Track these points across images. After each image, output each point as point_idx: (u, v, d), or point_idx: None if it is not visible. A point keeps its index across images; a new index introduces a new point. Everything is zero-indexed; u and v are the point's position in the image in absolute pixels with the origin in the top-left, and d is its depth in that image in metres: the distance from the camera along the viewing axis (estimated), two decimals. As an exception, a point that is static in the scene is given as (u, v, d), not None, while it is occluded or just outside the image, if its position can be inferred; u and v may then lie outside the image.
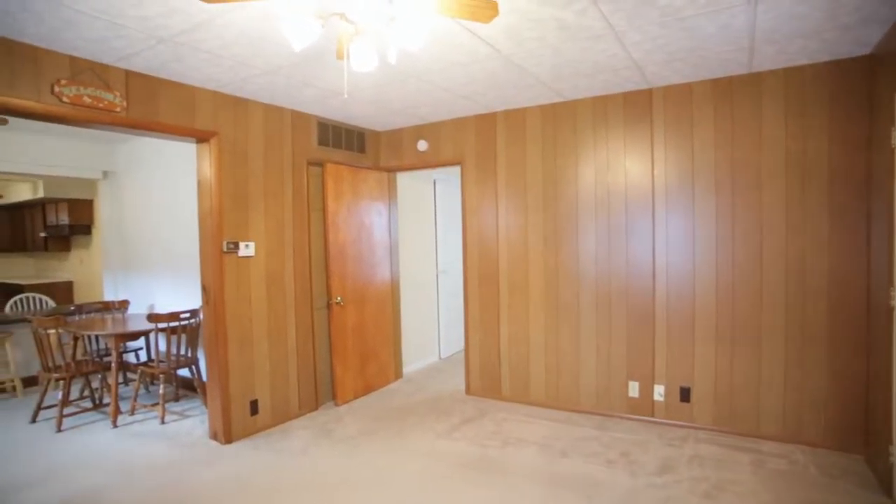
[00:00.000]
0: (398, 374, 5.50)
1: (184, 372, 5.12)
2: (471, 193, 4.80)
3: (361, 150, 5.04)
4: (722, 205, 3.75)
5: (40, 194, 8.01)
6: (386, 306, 5.25)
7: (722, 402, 3.82)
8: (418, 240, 5.95)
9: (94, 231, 8.43)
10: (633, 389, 4.12)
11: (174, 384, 5.00)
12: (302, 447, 3.80)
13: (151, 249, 5.83)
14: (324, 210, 4.62)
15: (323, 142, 4.61)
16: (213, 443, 3.91)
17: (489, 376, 4.80)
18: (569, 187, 4.30)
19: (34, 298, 6.64)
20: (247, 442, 3.92)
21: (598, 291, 4.22)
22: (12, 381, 5.35)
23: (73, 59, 3.02)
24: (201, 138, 3.71)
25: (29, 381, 5.51)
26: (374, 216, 5.09)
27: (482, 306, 4.79)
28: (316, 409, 4.59)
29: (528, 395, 4.59)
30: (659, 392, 4.03)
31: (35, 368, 5.47)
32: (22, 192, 8.63)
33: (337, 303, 4.61)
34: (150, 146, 5.75)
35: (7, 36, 2.75)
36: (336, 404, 4.70)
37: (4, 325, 5.40)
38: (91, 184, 7.96)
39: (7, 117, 4.11)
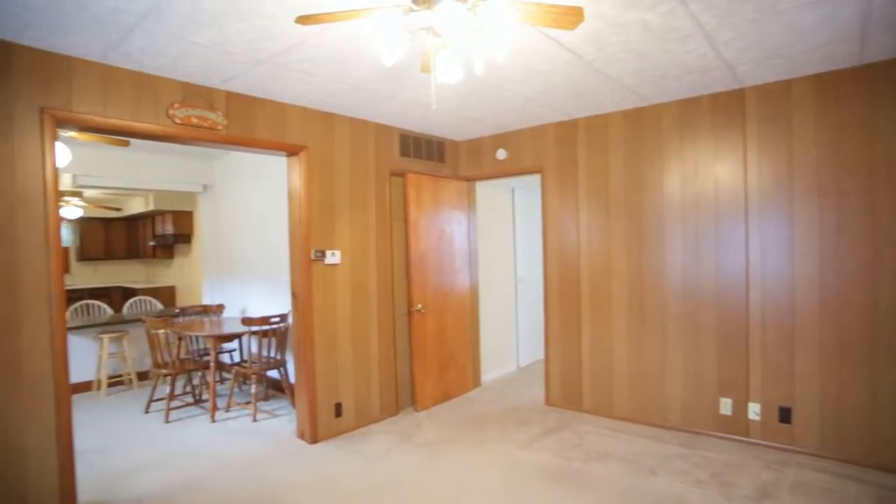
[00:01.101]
0: (476, 382, 5.51)
1: (273, 373, 5.41)
2: (551, 202, 4.75)
3: (441, 159, 5.13)
4: (826, 208, 3.47)
5: (151, 207, 8.81)
6: (465, 314, 5.29)
7: (829, 425, 3.51)
8: (497, 248, 5.96)
9: (194, 240, 9.13)
10: (725, 407, 3.88)
11: (264, 384, 5.30)
12: (383, 451, 3.90)
13: (244, 257, 6.23)
14: (405, 219, 4.74)
15: (404, 152, 4.74)
16: (300, 442, 4.10)
17: (570, 387, 4.70)
18: (653, 194, 4.15)
19: (145, 301, 7.28)
20: (331, 443, 4.07)
21: (686, 302, 4.03)
22: (129, 374, 5.89)
23: (184, 85, 3.32)
24: (292, 152, 3.94)
25: (142, 375, 6.05)
26: (454, 225, 5.16)
27: (562, 316, 4.71)
28: (396, 413, 4.70)
29: (611, 408, 4.45)
30: (754, 411, 3.76)
31: (147, 364, 6.00)
32: (136, 206, 9.53)
33: (418, 310, 4.71)
34: (242, 161, 6.16)
35: (135, 69, 3.07)
36: (416, 410, 4.78)
37: (123, 325, 5.97)
38: (192, 197, 8.66)
39: (129, 139, 4.55)
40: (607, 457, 3.68)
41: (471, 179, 5.35)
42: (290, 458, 3.80)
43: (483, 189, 5.65)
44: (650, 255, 4.18)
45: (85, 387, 5.73)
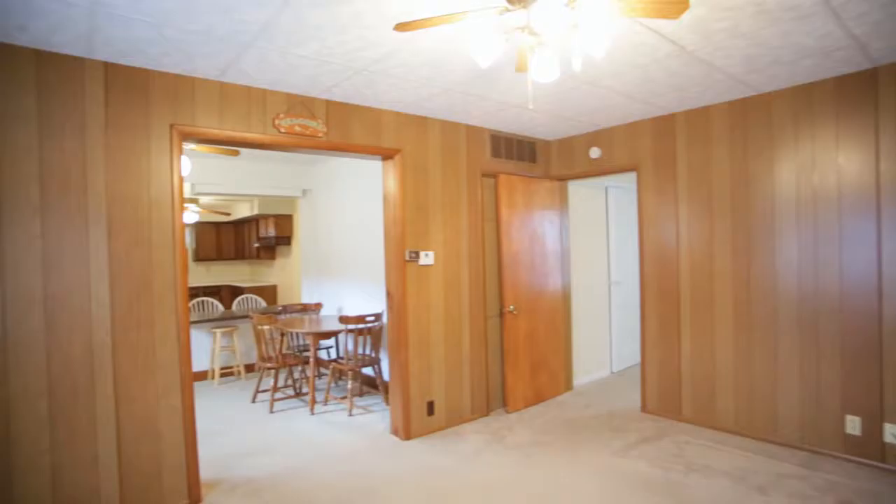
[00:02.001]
0: (568, 386, 5.39)
1: (367, 370, 5.61)
2: (647, 201, 4.55)
3: (532, 159, 5.08)
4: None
5: (256, 211, 9.45)
6: (557, 316, 5.19)
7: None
8: (590, 249, 5.80)
9: (294, 242, 9.68)
10: (853, 426, 3.51)
11: (359, 381, 5.50)
12: (475, 451, 3.91)
13: (340, 257, 6.52)
14: (497, 220, 4.74)
15: (496, 153, 4.74)
16: (394, 438, 4.22)
17: (668, 395, 4.47)
18: (763, 190, 3.85)
19: (251, 299, 7.83)
20: (423, 440, 4.15)
21: (802, 308, 3.69)
22: (238, 366, 6.37)
23: (288, 96, 3.53)
24: (387, 156, 4.06)
25: (248, 367, 6.51)
26: (546, 225, 5.08)
27: (660, 320, 4.49)
28: (487, 414, 4.70)
29: (714, 418, 4.17)
30: (892, 433, 3.36)
31: (253, 357, 6.44)
32: (242, 210, 10.27)
33: (510, 311, 4.69)
34: (339, 166, 6.46)
35: (247, 84, 3.32)
36: (507, 411, 4.76)
37: (232, 321, 6.46)
38: (292, 201, 9.19)
39: (240, 149, 4.92)
40: (710, 470, 3.46)
41: (563, 179, 5.25)
42: (385, 453, 3.92)
43: (575, 189, 5.52)
44: (759, 256, 3.88)
45: (201, 376, 6.26)
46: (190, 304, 7.30)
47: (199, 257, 11.29)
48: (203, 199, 9.11)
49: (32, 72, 2.69)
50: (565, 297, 5.33)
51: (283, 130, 3.49)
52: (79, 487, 2.80)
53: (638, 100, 3.90)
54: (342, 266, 6.48)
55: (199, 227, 11.12)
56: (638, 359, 4.94)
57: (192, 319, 6.21)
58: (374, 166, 5.52)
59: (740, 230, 3.98)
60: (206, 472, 3.49)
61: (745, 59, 3.12)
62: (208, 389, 5.90)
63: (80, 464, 2.81)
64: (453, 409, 4.46)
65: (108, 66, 2.89)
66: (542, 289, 5.03)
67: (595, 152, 4.85)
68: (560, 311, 5.24)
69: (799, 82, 3.60)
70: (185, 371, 3.14)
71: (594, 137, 4.88)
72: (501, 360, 4.83)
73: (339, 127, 3.77)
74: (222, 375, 6.38)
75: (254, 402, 5.32)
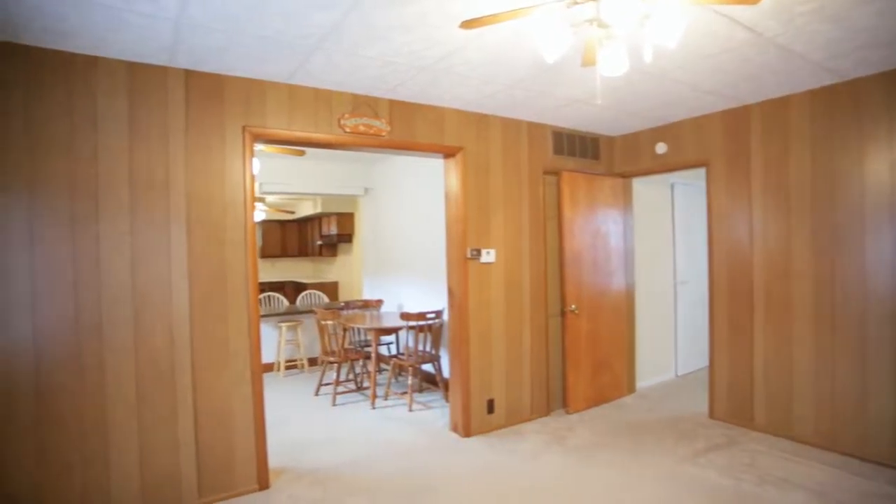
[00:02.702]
0: (631, 388, 5.24)
1: (427, 366, 5.66)
2: (717, 198, 4.34)
3: (595, 156, 4.96)
4: None
5: (318, 210, 9.74)
6: (620, 316, 5.06)
7: None
8: (655, 248, 5.60)
9: (355, 239, 9.91)
10: (951, 440, 3.22)
11: (419, 377, 5.56)
12: (534, 451, 3.87)
13: (400, 255, 6.61)
14: (559, 218, 4.67)
15: (558, 150, 4.67)
16: (453, 435, 4.24)
17: (739, 401, 4.25)
18: (850, 186, 3.58)
19: (314, 294, 8.08)
20: (483, 438, 4.15)
21: None
22: (302, 359, 6.59)
23: (353, 96, 3.61)
24: (448, 154, 4.08)
25: (311, 361, 6.73)
26: (609, 223, 4.96)
27: (731, 322, 4.28)
28: (547, 414, 4.64)
29: (791, 427, 3.93)
30: None
31: (315, 350, 6.64)
32: (306, 209, 10.61)
33: (571, 310, 4.60)
34: (400, 165, 6.54)
35: (314, 86, 3.42)
36: (567, 412, 4.68)
37: (296, 315, 6.69)
38: (354, 199, 9.40)
39: (305, 149, 5.08)
40: (787, 483, 3.26)
41: (627, 176, 5.10)
42: (445, 450, 3.95)
43: (640, 186, 5.35)
44: (846, 256, 3.62)
45: (267, 368, 6.52)
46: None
47: (265, 254, 11.75)
48: (269, 198, 9.47)
49: (124, 81, 2.89)
50: (629, 297, 5.18)
51: (347, 130, 3.57)
52: (163, 468, 2.99)
53: (708, 91, 3.73)
54: (402, 263, 6.57)
55: (265, 225, 11.57)
56: (705, 362, 4.74)
57: (259, 314, 6.47)
58: (434, 164, 5.56)
59: (823, 228, 3.73)
60: (273, 459, 3.63)
61: (830, 43, 2.91)
62: (274, 381, 6.14)
63: (164, 447, 2.99)
64: (513, 407, 4.43)
65: (188, 74, 3.06)
66: (604, 288, 4.91)
67: (661, 148, 4.68)
68: (623, 311, 5.10)
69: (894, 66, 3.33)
70: (256, 362, 3.28)
71: (660, 132, 4.71)
72: (562, 359, 4.76)
73: (402, 126, 3.82)
74: (287, 368, 6.62)
75: (317, 394, 5.49)
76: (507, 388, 4.39)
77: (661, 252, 5.71)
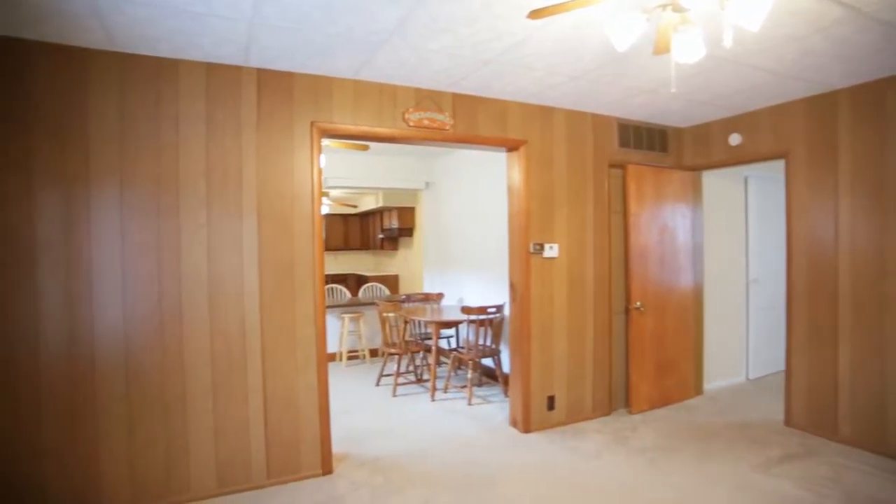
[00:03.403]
0: (698, 390, 5.03)
1: (486, 361, 5.66)
2: (797, 191, 4.07)
3: (663, 148, 4.78)
4: None
5: (380, 204, 9.92)
6: (687, 315, 4.86)
7: None
8: (725, 244, 5.34)
9: (416, 233, 10.02)
10: None
11: (479, 371, 5.57)
12: (596, 450, 3.79)
13: (461, 249, 6.63)
14: (625, 212, 4.53)
15: (623, 143, 4.53)
16: (513, 430, 4.21)
17: (819, 409, 3.98)
18: (955, 178, 3.27)
19: (376, 287, 8.25)
20: (542, 435, 4.11)
21: None
22: (363, 350, 6.75)
23: (417, 91, 3.64)
24: (512, 147, 4.05)
25: (372, 352, 6.88)
26: (677, 218, 4.77)
27: (811, 324, 4.01)
28: (609, 413, 4.53)
29: (885, 443, 3.61)
30: None
31: (376, 342, 6.78)
32: (368, 203, 10.83)
33: (636, 308, 4.47)
34: (461, 159, 6.55)
35: (379, 81, 3.48)
36: (630, 412, 4.55)
37: (358, 307, 6.86)
38: (414, 194, 9.50)
39: (369, 144, 5.18)
40: (875, 502, 3.02)
41: (696, 169, 4.88)
42: (504, 445, 3.93)
43: (710, 179, 5.10)
44: (947, 256, 3.31)
45: (330, 357, 6.70)
46: (322, 290, 7.84)
47: (328, 247, 12.07)
48: (333, 193, 9.73)
49: (203, 83, 3.05)
50: (697, 295, 4.97)
51: (411, 124, 3.61)
52: (235, 447, 3.15)
53: (792, 77, 3.50)
54: (463, 257, 6.59)
55: (329, 218, 11.90)
56: (780, 366, 4.48)
57: (325, 305, 6.68)
58: (496, 158, 5.53)
59: (920, 225, 3.42)
60: (335, 446, 3.73)
61: (937, 22, 2.66)
62: (336, 370, 6.32)
63: (235, 427, 3.15)
64: (574, 405, 4.36)
65: (259, 72, 3.18)
66: (671, 285, 4.73)
67: (735, 139, 4.44)
68: (690, 310, 4.90)
69: None
70: (321, 351, 3.39)
71: (734, 122, 4.46)
72: (626, 358, 4.63)
73: (466, 119, 3.82)
74: (349, 358, 6.80)
75: (378, 385, 5.60)
76: (568, 385, 4.31)
77: (731, 249, 5.43)
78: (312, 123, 3.33)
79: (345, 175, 6.78)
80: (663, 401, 4.72)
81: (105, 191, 2.85)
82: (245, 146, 3.17)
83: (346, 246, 12.28)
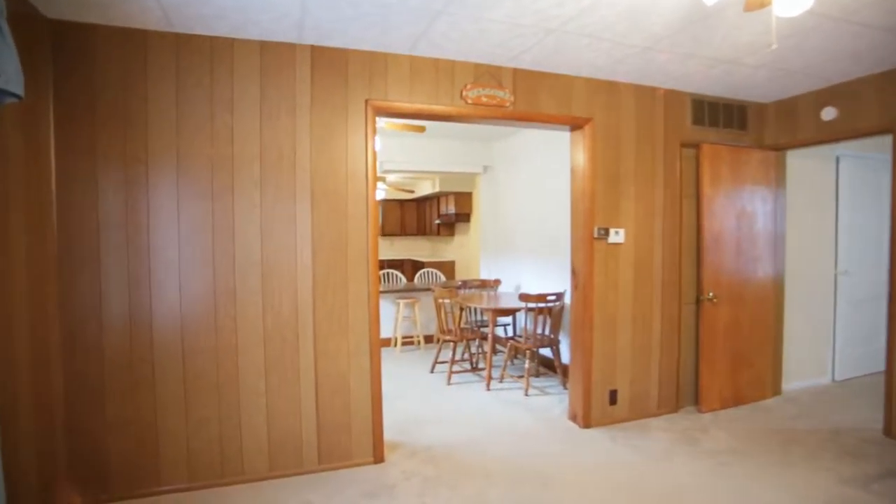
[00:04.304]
0: (775, 390, 4.63)
1: (544, 350, 5.46)
2: (904, 171, 3.61)
3: (742, 126, 4.37)
4: None
5: (437, 189, 9.81)
6: (765, 308, 4.47)
7: None
8: (810, 232, 4.86)
9: (472, 219, 9.87)
10: None
11: (535, 360, 5.38)
12: (662, 451, 3.54)
13: (520, 235, 6.42)
14: (698, 196, 4.19)
15: (697, 120, 4.17)
16: (572, 424, 4.02)
17: (923, 417, 3.55)
18: None
19: (431, 273, 8.17)
20: (603, 431, 3.89)
21: None
22: (418, 336, 6.70)
23: (476, 66, 3.46)
24: (576, 125, 3.80)
25: (426, 338, 6.81)
26: (756, 202, 4.37)
27: (916, 322, 3.57)
28: (675, 411, 4.25)
29: None
30: None
31: (430, 328, 6.70)
32: (425, 188, 10.76)
33: (709, 299, 4.14)
34: (520, 142, 6.32)
35: (435, 56, 3.32)
36: (699, 410, 4.24)
37: (414, 292, 6.79)
38: (471, 178, 9.34)
39: (425, 126, 5.06)
40: None
41: (779, 148, 4.44)
42: (562, 439, 3.75)
43: (795, 160, 4.64)
44: None
45: (384, 342, 6.70)
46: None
47: (385, 232, 12.15)
48: (389, 178, 9.71)
49: (257, 61, 3.01)
50: (776, 287, 4.55)
51: (469, 101, 3.44)
52: (287, 429, 3.13)
53: (905, 38, 3.05)
54: (521, 243, 6.38)
55: (385, 204, 11.94)
56: (874, 366, 4.04)
57: (379, 289, 6.66)
58: (557, 139, 5.28)
59: None
60: (388, 433, 3.66)
61: None
62: (391, 356, 6.30)
63: (287, 409, 3.13)
64: (638, 400, 4.10)
65: (313, 49, 3.10)
66: (748, 275, 4.35)
67: (829, 113, 3.99)
68: (769, 302, 4.50)
69: None
70: (374, 335, 3.30)
71: (827, 94, 4.00)
72: (696, 352, 4.31)
73: (527, 96, 3.61)
74: (403, 344, 6.76)
75: (432, 372, 5.52)
76: (631, 379, 4.06)
77: (818, 236, 4.94)
78: (367, 102, 3.22)
79: (401, 159, 6.69)
80: (736, 400, 4.37)
81: (162, 172, 2.86)
82: (299, 126, 3.10)
83: (402, 232, 12.30)
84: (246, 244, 3.02)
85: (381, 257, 11.73)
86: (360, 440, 3.30)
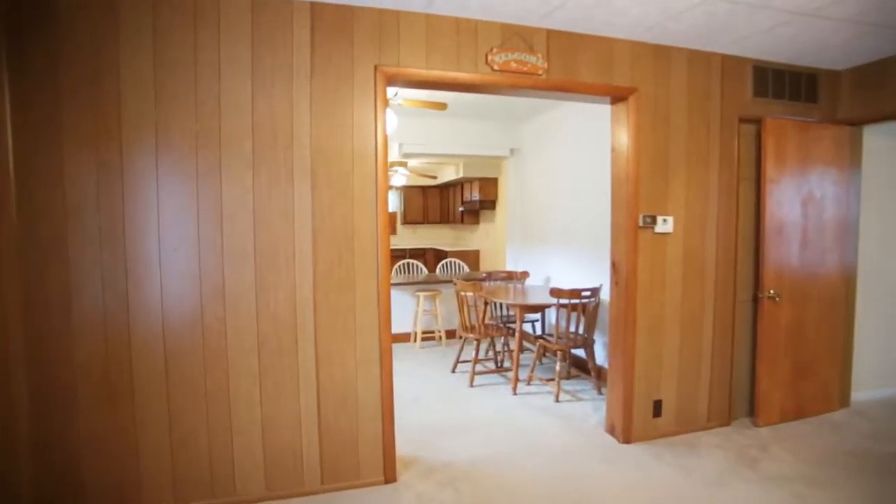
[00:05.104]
0: (843, 402, 4.07)
1: (576, 350, 4.97)
2: None
3: (812, 98, 3.78)
4: None
5: (461, 174, 9.34)
6: (834, 307, 3.90)
7: None
8: (891, 220, 4.23)
9: (498, 206, 9.37)
10: None
11: (567, 361, 4.90)
12: (716, 473, 3.05)
13: (549, 223, 5.92)
14: (759, 178, 3.64)
15: (760, 91, 3.60)
16: (609, 438, 3.55)
17: None
18: None
19: (454, 263, 7.73)
20: (647, 447, 3.41)
21: None
22: (439, 331, 6.27)
23: (503, 27, 2.97)
24: (618, 96, 3.29)
25: (448, 333, 6.38)
26: (826, 187, 3.79)
27: None
28: (727, 423, 3.74)
29: None
30: None
31: (453, 322, 6.27)
32: (448, 174, 10.28)
33: (769, 296, 3.60)
34: (552, 120, 5.80)
35: (455, 14, 2.85)
36: (755, 423, 3.73)
37: (435, 284, 6.36)
38: (497, 163, 8.84)
39: (446, 101, 4.59)
40: None
41: (857, 123, 3.84)
42: (600, 456, 3.29)
43: (874, 136, 4.02)
44: None
45: (403, 338, 6.31)
46: (395, 266, 7.46)
47: (407, 220, 11.74)
48: (411, 163, 9.27)
49: (247, 21, 2.59)
50: (847, 283, 3.97)
51: (496, 68, 2.96)
52: (285, 444, 2.75)
53: None
54: (552, 232, 5.88)
55: (407, 190, 11.52)
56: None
57: (397, 281, 6.26)
58: (593, 117, 4.77)
59: None
60: (402, 445, 3.27)
61: None
62: (409, 353, 5.90)
63: (286, 422, 2.74)
64: (685, 411, 3.61)
65: (313, 7, 2.66)
66: (815, 270, 3.79)
67: (922, 81, 3.38)
68: (838, 301, 3.93)
69: None
70: (385, 338, 2.88)
71: (921, 59, 3.40)
72: (751, 357, 3.79)
73: (562, 62, 3.11)
74: (423, 339, 6.35)
75: (454, 371, 5.11)
76: (678, 388, 3.57)
77: (896, 226, 4.33)
78: (376, 68, 2.77)
79: (422, 141, 6.24)
80: (798, 412, 3.84)
81: (139, 150, 2.47)
82: (297, 97, 2.68)
83: (425, 220, 11.87)
84: (236, 234, 2.62)
85: (403, 246, 11.35)
86: (369, 457, 2.90)
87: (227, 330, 2.63)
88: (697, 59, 3.44)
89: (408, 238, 11.94)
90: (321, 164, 2.72)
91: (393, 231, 11.97)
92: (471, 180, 9.76)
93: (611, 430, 3.58)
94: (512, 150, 6.71)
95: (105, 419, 2.49)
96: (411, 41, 2.83)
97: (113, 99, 2.41)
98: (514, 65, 2.98)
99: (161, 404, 2.56)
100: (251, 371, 2.68)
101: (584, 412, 4.03)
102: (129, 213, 2.47)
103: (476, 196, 9.58)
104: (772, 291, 3.62)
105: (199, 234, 2.57)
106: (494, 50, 2.95)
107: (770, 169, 3.57)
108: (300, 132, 2.68)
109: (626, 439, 3.44)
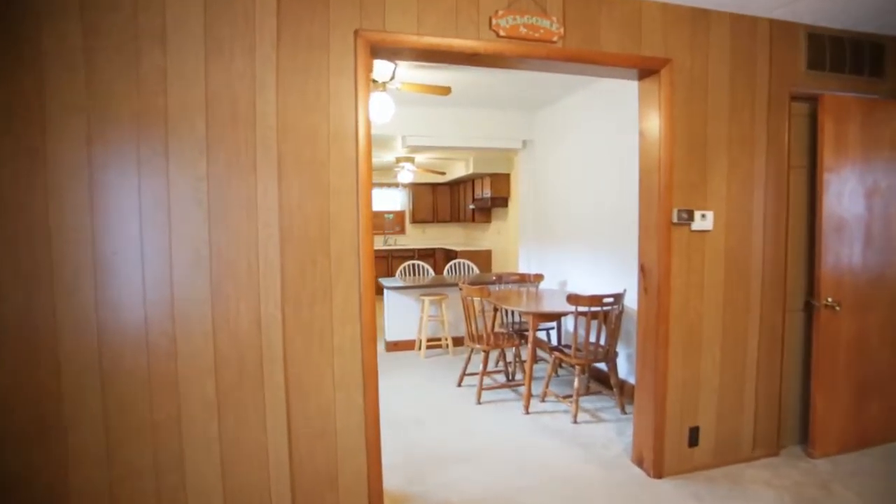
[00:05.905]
0: (911, 426, 3.51)
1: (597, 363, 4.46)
2: None
3: (877, 72, 3.23)
4: None
5: (471, 170, 8.85)
6: (902, 318, 3.35)
7: None
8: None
9: (510, 203, 8.88)
10: None
11: (586, 374, 4.39)
12: (770, 517, 2.54)
13: (566, 220, 5.41)
14: (815, 167, 3.10)
15: (815, 64, 3.07)
16: (636, 470, 3.04)
17: None
18: None
19: (464, 264, 7.24)
20: (682, 483, 2.90)
21: None
22: (446, 338, 5.79)
23: (509, -17, 2.49)
24: (647, 69, 2.77)
25: (456, 341, 5.89)
26: (893, 176, 3.24)
27: None
28: (776, 453, 3.20)
29: None
30: None
31: (460, 329, 5.78)
32: (458, 170, 9.79)
33: (826, 305, 3.06)
34: (568, 108, 5.30)
35: (447, -39, 2.37)
36: (809, 454, 3.19)
37: (442, 288, 5.88)
38: (509, 158, 8.35)
39: (450, 87, 4.11)
40: None
41: (928, 101, 3.28)
42: (626, 495, 2.78)
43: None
44: None
45: (408, 346, 5.84)
46: (400, 268, 7.01)
47: (416, 219, 11.28)
48: (418, 159, 8.80)
49: (202, -19, 2.12)
50: (915, 289, 3.42)
51: (502, 34, 2.47)
52: (249, 485, 2.29)
53: None
54: (568, 231, 5.37)
55: (416, 188, 11.05)
56: None
57: (400, 285, 5.79)
58: (616, 101, 4.26)
59: None
60: (394, 479, 2.83)
61: None
62: (413, 362, 5.43)
63: (250, 458, 2.28)
64: (726, 440, 3.08)
65: (282, -42, 2.20)
66: (882, 274, 3.24)
67: None
68: (906, 310, 3.37)
69: None
70: (369, 358, 2.41)
71: None
72: (804, 375, 3.26)
73: (581, 27, 2.61)
74: (429, 347, 5.87)
75: (459, 385, 4.62)
76: (718, 412, 3.05)
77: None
78: (356, 33, 2.30)
79: (427, 133, 5.76)
80: (861, 441, 3.29)
81: (67, 136, 2.02)
82: (260, 70, 2.21)
83: (434, 218, 11.39)
84: (187, 233, 2.16)
85: (412, 246, 10.90)
86: (351, 498, 2.43)
87: (178, 349, 2.18)
88: (741, 25, 2.92)
89: (417, 238, 11.48)
90: (290, 147, 2.26)
91: (402, 231, 11.51)
92: (482, 176, 9.27)
93: (638, 462, 3.07)
94: (524, 142, 6.20)
95: (29, 455, 2.05)
96: (399, 1, 2.35)
97: (33, 71, 1.97)
98: (523, 30, 2.48)
99: (97, 436, 2.10)
100: (207, 399, 2.22)
101: (606, 436, 3.52)
102: (56, 209, 2.02)
103: (487, 193, 9.09)
104: (830, 299, 3.08)
105: (142, 232, 2.12)
106: (500, 12, 2.46)
107: (828, 156, 3.03)
108: (264, 110, 2.22)
109: (658, 473, 2.93)
